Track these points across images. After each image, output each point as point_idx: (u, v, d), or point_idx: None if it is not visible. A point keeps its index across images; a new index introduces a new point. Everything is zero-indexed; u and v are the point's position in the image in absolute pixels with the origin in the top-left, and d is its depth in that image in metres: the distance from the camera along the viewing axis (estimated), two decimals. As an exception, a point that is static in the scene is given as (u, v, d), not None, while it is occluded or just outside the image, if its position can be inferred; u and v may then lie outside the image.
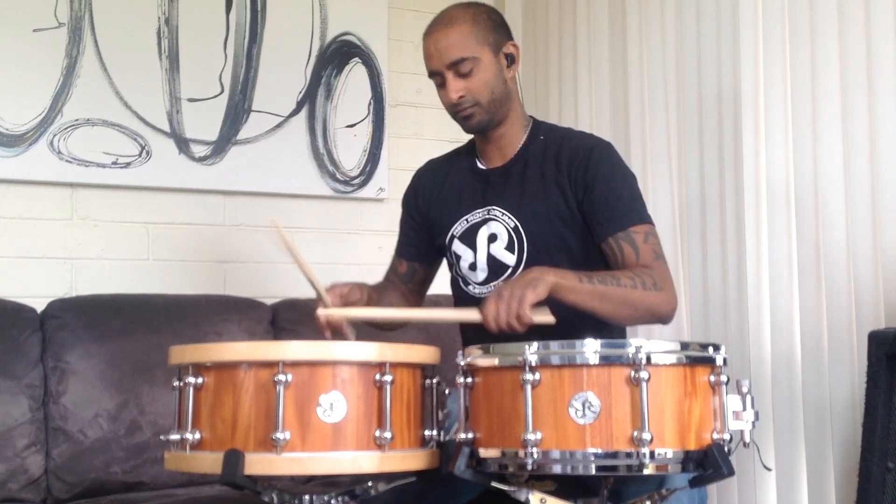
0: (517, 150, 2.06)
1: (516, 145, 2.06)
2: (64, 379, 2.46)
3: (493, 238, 2.02)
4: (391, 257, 2.28)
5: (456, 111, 1.99)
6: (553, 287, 1.73)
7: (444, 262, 2.20)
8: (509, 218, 2.00)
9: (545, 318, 1.71)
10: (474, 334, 2.04)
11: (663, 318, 1.88)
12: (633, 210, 1.95)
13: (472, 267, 2.04)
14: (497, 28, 2.01)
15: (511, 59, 2.01)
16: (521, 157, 2.05)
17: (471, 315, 1.78)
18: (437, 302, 2.54)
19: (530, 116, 2.11)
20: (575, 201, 1.97)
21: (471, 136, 2.15)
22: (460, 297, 2.09)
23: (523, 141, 2.06)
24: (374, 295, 2.00)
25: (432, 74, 2.00)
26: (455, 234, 2.07)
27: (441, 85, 2.00)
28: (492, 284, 2.01)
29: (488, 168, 2.09)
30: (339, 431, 1.46)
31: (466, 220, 2.06)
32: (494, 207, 2.03)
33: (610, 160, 2.00)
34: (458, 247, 2.06)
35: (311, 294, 2.94)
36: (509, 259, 1.99)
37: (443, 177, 2.17)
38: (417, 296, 2.24)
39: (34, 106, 2.75)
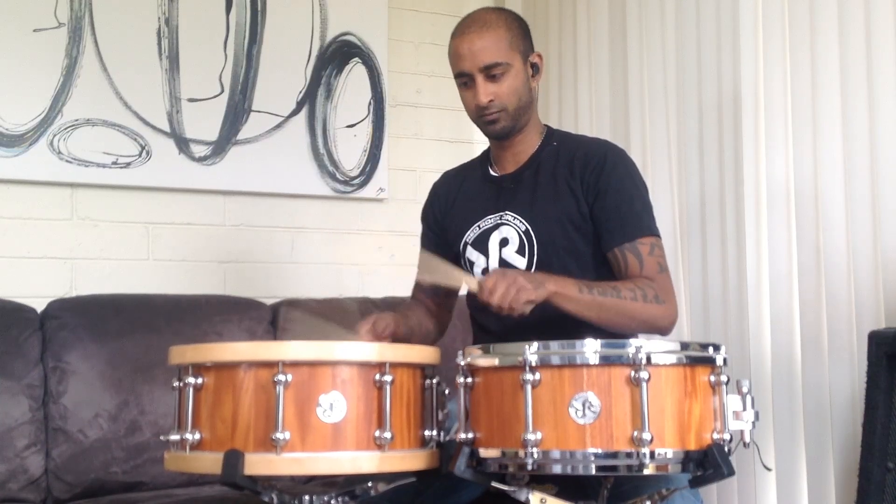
0: (530, 156, 2.07)
1: (530, 152, 2.07)
2: (64, 379, 2.46)
3: (504, 242, 2.02)
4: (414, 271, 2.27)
5: (481, 114, 1.99)
6: (551, 296, 1.76)
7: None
8: (521, 222, 2.01)
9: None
10: (485, 335, 2.05)
11: (662, 330, 1.89)
12: (641, 221, 1.96)
13: (485, 272, 2.04)
14: (526, 36, 2.03)
15: (536, 69, 2.03)
16: (534, 162, 2.06)
17: (470, 281, 1.82)
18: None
19: (545, 125, 2.12)
20: (586, 206, 1.97)
21: (486, 147, 2.17)
22: (474, 304, 2.09)
23: (537, 147, 2.07)
24: (400, 322, 1.99)
25: (459, 75, 1.99)
26: (468, 240, 2.08)
27: (467, 87, 1.99)
28: None
29: (501, 175, 2.10)
30: (339, 431, 1.46)
31: (479, 226, 2.07)
32: (507, 212, 2.04)
33: (624, 168, 2.00)
34: (472, 253, 2.06)
35: (311, 294, 2.98)
36: (520, 262, 1.99)
37: (457, 187, 2.18)
38: (444, 308, 2.23)
39: (34, 106, 2.75)
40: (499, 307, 1.72)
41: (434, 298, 2.21)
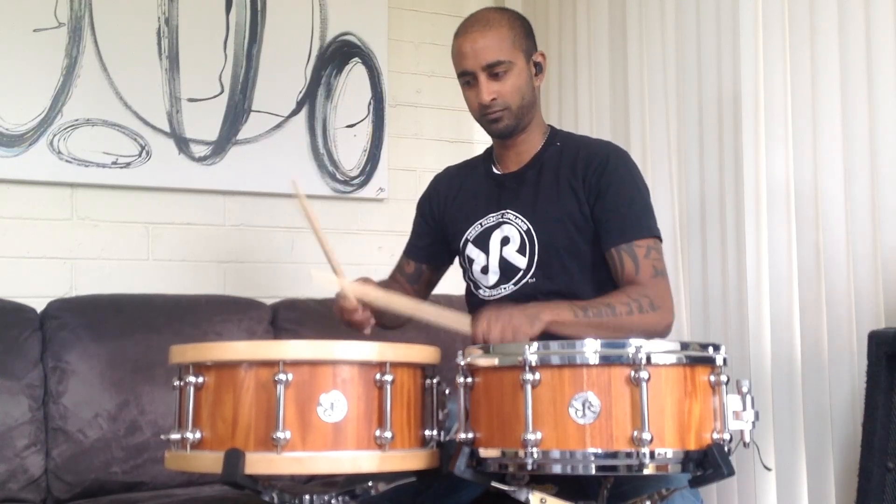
0: (533, 156, 2.07)
1: (533, 151, 2.07)
2: (64, 379, 2.46)
3: (505, 241, 2.02)
4: (399, 257, 2.30)
5: (485, 113, 2.00)
6: (548, 325, 1.74)
7: (453, 267, 2.23)
8: (522, 221, 2.01)
9: None
10: None
11: (658, 335, 1.89)
12: (640, 222, 1.96)
13: (485, 270, 2.04)
14: (529, 35, 2.04)
15: (539, 68, 2.04)
16: (537, 162, 2.06)
17: (462, 324, 1.78)
18: (450, 302, 2.53)
19: (548, 125, 2.12)
20: (588, 206, 1.98)
21: (486, 146, 2.18)
22: (472, 302, 2.11)
23: (540, 147, 2.07)
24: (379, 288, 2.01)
25: (462, 74, 2.00)
26: (469, 238, 2.08)
27: (470, 86, 2.00)
28: (502, 287, 2.02)
29: (503, 173, 2.10)
30: (340, 431, 1.46)
31: (481, 224, 2.07)
32: (508, 211, 2.04)
33: (625, 169, 2.01)
34: (472, 250, 2.07)
35: (311, 294, 2.98)
36: (521, 262, 1.99)
37: (459, 183, 2.19)
38: (420, 297, 2.24)
39: (34, 106, 2.75)
40: None
41: (414, 285, 2.23)
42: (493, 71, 1.95)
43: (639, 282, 1.91)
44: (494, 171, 2.12)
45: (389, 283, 2.22)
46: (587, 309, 1.81)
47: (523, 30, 2.02)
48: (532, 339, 1.70)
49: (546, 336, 1.72)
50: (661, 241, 1.99)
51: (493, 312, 1.72)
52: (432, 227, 2.21)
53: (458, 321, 1.81)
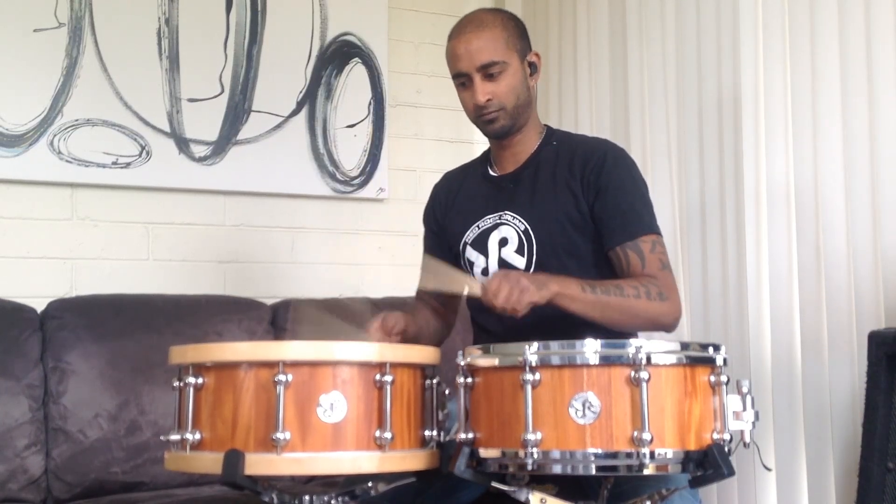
0: (529, 156, 2.07)
1: (529, 151, 2.07)
2: (64, 379, 2.46)
3: (503, 242, 2.02)
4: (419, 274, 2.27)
5: (480, 114, 1.99)
6: (554, 297, 1.76)
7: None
8: (520, 221, 2.01)
9: None
10: (485, 335, 2.05)
11: (666, 327, 1.90)
12: (642, 219, 1.96)
13: (485, 272, 2.04)
14: (523, 35, 2.03)
15: (534, 68, 2.03)
16: (533, 162, 2.06)
17: (473, 285, 1.82)
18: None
19: (544, 125, 2.12)
20: (586, 205, 1.97)
21: (486, 147, 2.17)
22: (475, 305, 2.09)
23: (536, 147, 2.07)
24: (410, 320, 2.00)
25: (457, 76, 2.00)
26: (468, 240, 2.08)
27: (465, 87, 2.00)
28: None
29: (500, 174, 2.10)
30: (340, 431, 1.46)
31: (478, 226, 2.07)
32: (506, 212, 2.03)
33: (623, 167, 2.00)
34: (471, 253, 2.07)
35: (311, 294, 2.98)
36: (519, 262, 1.99)
37: (457, 187, 2.18)
38: (449, 309, 2.22)
39: (34, 106, 2.75)
40: (502, 309, 1.72)
41: (438, 299, 2.20)
42: (488, 72, 1.95)
43: (647, 274, 1.91)
44: (491, 172, 2.12)
45: (417, 306, 2.19)
46: (595, 287, 1.81)
47: (517, 30, 2.01)
48: (538, 305, 1.73)
49: (549, 322, 1.73)
50: (662, 236, 1.99)
51: (502, 274, 1.76)
52: (439, 235, 2.20)
53: (470, 282, 1.85)
